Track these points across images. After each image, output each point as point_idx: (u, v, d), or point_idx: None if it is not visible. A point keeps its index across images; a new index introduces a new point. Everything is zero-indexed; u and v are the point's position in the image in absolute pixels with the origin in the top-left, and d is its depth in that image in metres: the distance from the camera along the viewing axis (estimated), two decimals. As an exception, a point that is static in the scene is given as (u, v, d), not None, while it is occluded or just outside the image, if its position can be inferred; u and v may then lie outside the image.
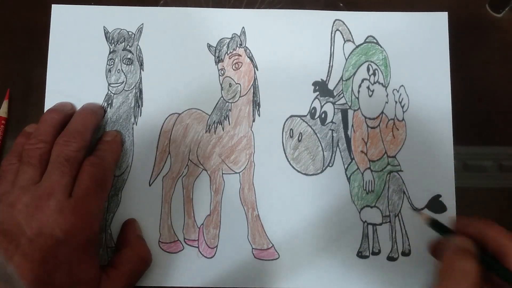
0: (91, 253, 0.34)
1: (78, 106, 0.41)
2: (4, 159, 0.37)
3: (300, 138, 0.41)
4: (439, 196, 0.40)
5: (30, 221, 0.32)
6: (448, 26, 0.43)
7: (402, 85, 0.42)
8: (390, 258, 0.40)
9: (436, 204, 0.40)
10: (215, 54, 0.42)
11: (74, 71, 0.41)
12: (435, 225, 0.36)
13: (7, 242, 0.31)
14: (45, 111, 0.41)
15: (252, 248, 0.39)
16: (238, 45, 0.42)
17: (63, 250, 0.32)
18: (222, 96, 0.41)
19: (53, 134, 0.37)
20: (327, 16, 0.43)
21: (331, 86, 0.42)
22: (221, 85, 0.42)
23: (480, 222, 0.34)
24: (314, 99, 0.42)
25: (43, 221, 0.32)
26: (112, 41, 0.42)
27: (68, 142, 0.36)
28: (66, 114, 0.39)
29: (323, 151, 0.41)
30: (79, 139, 0.36)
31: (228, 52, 0.42)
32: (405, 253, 0.40)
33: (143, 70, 0.42)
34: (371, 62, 0.42)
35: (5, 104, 0.41)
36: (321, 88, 0.42)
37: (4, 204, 0.33)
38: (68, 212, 0.33)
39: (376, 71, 0.42)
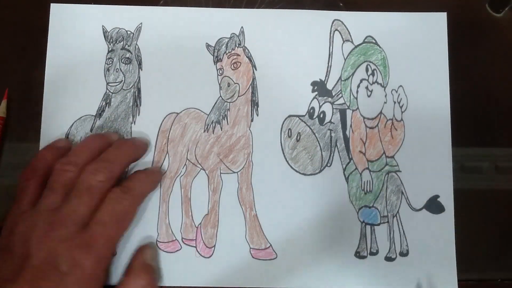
0: (95, 286, 0.33)
1: (77, 105, 0.41)
2: (21, 174, 0.35)
3: (298, 138, 0.41)
4: (437, 196, 0.40)
5: (39, 248, 0.31)
6: (447, 26, 0.42)
7: (401, 86, 0.42)
8: (388, 259, 0.40)
9: (434, 204, 0.40)
10: (213, 53, 0.42)
11: (73, 70, 0.41)
12: None
13: (14, 265, 0.31)
14: (43, 110, 0.41)
15: (250, 248, 0.39)
16: (237, 45, 0.42)
17: (65, 282, 0.31)
18: (220, 96, 0.41)
19: (87, 159, 0.35)
20: (326, 16, 0.43)
21: (329, 86, 0.42)
22: (219, 84, 0.42)
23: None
24: (313, 99, 0.42)
25: (50, 249, 0.31)
26: (111, 40, 0.42)
27: (96, 171, 0.34)
28: (109, 142, 0.38)
29: (321, 151, 0.41)
30: (107, 170, 0.35)
31: (227, 52, 0.42)
32: (403, 254, 0.40)
33: (141, 70, 0.42)
34: (370, 62, 0.42)
35: (3, 103, 0.41)
36: (319, 88, 0.42)
37: (23, 226, 0.32)
38: (75, 244, 0.31)
39: (375, 71, 0.42)
